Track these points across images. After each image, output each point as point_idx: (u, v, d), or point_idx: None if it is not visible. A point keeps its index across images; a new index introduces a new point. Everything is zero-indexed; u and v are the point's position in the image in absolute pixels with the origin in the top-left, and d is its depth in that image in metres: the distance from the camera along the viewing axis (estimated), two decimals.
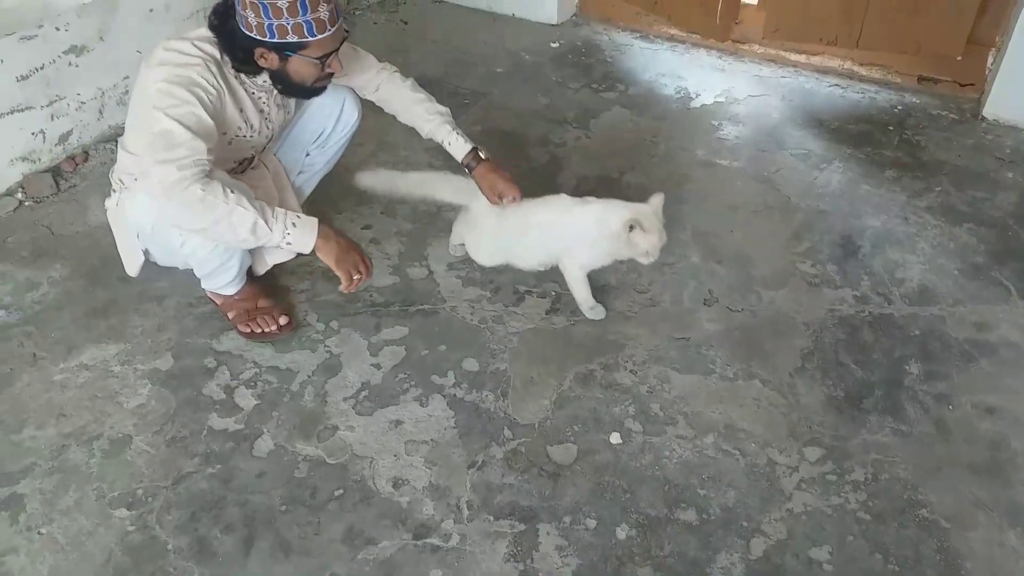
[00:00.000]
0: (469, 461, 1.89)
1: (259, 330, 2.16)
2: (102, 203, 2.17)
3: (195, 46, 1.85)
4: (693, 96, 3.29)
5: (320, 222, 1.86)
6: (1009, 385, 2.08)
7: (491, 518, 1.78)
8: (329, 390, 2.06)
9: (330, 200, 2.57)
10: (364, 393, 2.05)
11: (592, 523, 1.77)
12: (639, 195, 2.15)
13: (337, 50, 1.90)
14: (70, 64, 2.67)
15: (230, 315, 2.20)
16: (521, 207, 2.18)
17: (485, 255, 2.33)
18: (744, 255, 2.49)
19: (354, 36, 2.27)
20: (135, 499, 1.80)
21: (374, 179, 2.36)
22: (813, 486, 1.85)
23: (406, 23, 3.82)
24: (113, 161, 2.08)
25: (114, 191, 2.07)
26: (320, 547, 1.72)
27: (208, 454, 1.90)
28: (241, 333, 2.18)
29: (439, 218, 2.58)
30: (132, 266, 2.13)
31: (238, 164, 2.11)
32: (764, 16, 3.51)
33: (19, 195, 2.63)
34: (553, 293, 2.33)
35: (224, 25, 1.85)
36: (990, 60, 3.24)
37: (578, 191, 2.33)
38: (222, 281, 2.13)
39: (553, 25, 3.76)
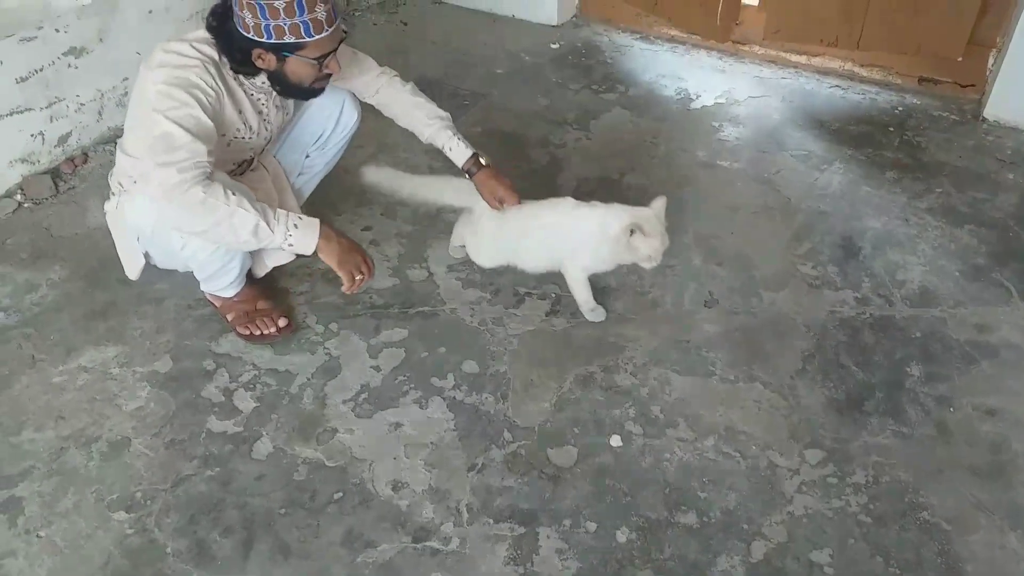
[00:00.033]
0: (469, 464, 1.89)
1: (258, 332, 2.16)
2: (101, 205, 2.17)
3: (193, 47, 1.85)
4: (693, 97, 3.28)
5: (321, 223, 1.86)
6: (1010, 387, 2.07)
7: (491, 521, 1.77)
8: (328, 392, 2.05)
9: (329, 202, 2.57)
10: (364, 395, 2.05)
11: (592, 526, 1.76)
12: (639, 196, 2.15)
13: (335, 51, 1.90)
14: (69, 66, 2.66)
15: (229, 317, 2.19)
16: (525, 209, 2.18)
17: (487, 256, 2.32)
18: (744, 257, 2.48)
19: (354, 37, 2.27)
20: (134, 502, 1.80)
21: (379, 175, 2.36)
22: (814, 489, 1.84)
23: (406, 24, 3.82)
24: (112, 163, 2.08)
25: (113, 194, 2.07)
26: (319, 550, 1.71)
27: (207, 456, 1.89)
28: (240, 335, 2.17)
29: (439, 220, 2.58)
30: (132, 269, 2.12)
31: (237, 166, 2.11)
32: (764, 17, 3.50)
33: (18, 197, 2.62)
34: (553, 295, 2.33)
35: (222, 26, 1.85)
36: (991, 61, 3.24)
37: (578, 192, 2.33)
38: (222, 283, 2.13)
39: (553, 26, 3.76)
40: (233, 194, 1.75)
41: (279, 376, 2.09)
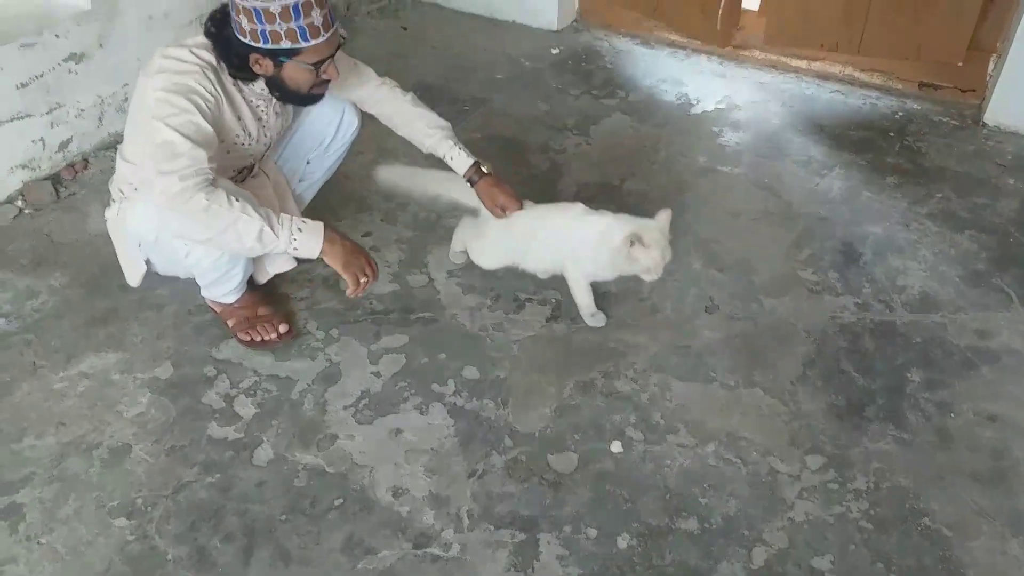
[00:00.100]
0: (469, 470, 1.89)
1: (259, 338, 2.16)
2: (102, 211, 2.17)
3: (192, 53, 1.85)
4: (694, 102, 3.28)
5: (325, 226, 1.86)
6: (1011, 393, 2.07)
7: (491, 527, 1.77)
8: (329, 398, 2.05)
9: (330, 208, 2.57)
10: (364, 401, 2.04)
11: (593, 532, 1.76)
12: (640, 202, 2.15)
13: (333, 56, 1.90)
14: (70, 72, 2.67)
15: (230, 323, 2.19)
16: (534, 211, 2.19)
17: (491, 258, 2.32)
18: (745, 262, 2.48)
19: (354, 41, 2.27)
20: (135, 508, 1.79)
21: (391, 173, 2.36)
22: (815, 495, 1.84)
23: (406, 29, 3.82)
24: (113, 169, 2.08)
25: (114, 201, 2.07)
26: (320, 557, 1.71)
27: (208, 463, 1.89)
28: (241, 341, 2.17)
29: (439, 225, 2.58)
30: (134, 276, 2.12)
31: (237, 173, 2.11)
32: (765, 22, 3.51)
33: (19, 203, 2.62)
34: (553, 300, 2.33)
35: (221, 32, 1.85)
36: (991, 66, 3.24)
37: (578, 198, 2.33)
38: (224, 290, 2.13)
39: (553, 31, 3.76)
40: (236, 200, 1.75)
41: (280, 382, 2.09)
